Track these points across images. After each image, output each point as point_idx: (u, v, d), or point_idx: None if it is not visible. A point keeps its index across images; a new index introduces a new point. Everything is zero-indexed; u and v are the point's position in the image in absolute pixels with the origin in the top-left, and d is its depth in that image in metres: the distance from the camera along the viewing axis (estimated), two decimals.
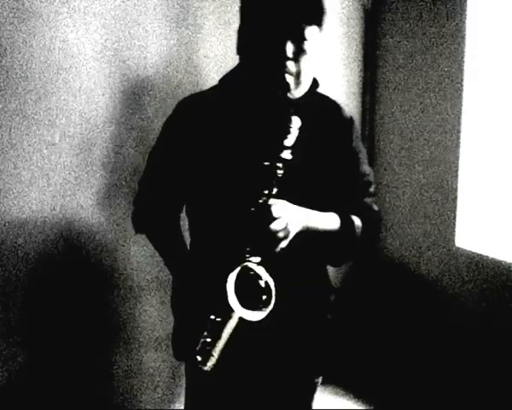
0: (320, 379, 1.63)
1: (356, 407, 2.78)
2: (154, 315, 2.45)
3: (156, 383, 2.51)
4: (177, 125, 1.51)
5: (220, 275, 1.28)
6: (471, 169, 2.58)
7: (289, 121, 1.31)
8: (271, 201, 1.31)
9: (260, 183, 1.31)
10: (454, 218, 2.62)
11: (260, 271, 1.30)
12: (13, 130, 2.07)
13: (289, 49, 1.32)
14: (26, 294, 2.18)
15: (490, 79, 2.51)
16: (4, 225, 2.09)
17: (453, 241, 2.63)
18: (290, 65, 1.34)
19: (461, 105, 2.54)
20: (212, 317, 1.31)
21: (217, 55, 2.44)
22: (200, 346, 1.32)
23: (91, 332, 2.33)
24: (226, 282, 1.26)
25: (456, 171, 2.58)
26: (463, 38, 2.50)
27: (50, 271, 2.21)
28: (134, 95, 2.30)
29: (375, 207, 1.55)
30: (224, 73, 1.52)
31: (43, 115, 2.11)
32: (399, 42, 2.81)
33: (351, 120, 1.54)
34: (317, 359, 1.56)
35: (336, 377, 2.79)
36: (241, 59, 1.45)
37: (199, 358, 1.32)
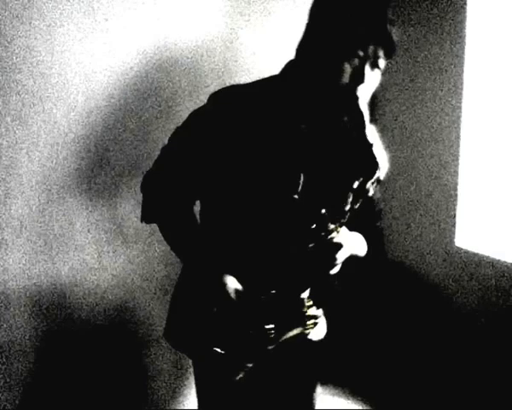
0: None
1: (356, 407, 2.78)
2: (154, 315, 2.45)
3: (157, 384, 2.50)
4: (217, 117, 1.38)
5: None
6: (471, 169, 2.58)
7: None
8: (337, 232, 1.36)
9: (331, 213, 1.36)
10: (454, 218, 2.62)
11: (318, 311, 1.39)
12: (12, 129, 2.06)
13: (371, 49, 1.33)
14: (24, 293, 2.17)
15: (490, 79, 2.52)
16: (4, 226, 2.09)
17: (453, 241, 2.63)
18: (368, 69, 1.33)
19: (461, 104, 2.55)
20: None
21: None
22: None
23: (91, 332, 2.32)
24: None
25: (457, 170, 2.58)
26: (463, 37, 2.50)
27: (49, 271, 2.21)
28: (135, 94, 2.29)
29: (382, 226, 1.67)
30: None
31: (42, 115, 2.11)
32: (399, 41, 2.81)
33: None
34: (320, 364, 1.59)
35: (336, 377, 2.80)
36: (303, 59, 1.39)
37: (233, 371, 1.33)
